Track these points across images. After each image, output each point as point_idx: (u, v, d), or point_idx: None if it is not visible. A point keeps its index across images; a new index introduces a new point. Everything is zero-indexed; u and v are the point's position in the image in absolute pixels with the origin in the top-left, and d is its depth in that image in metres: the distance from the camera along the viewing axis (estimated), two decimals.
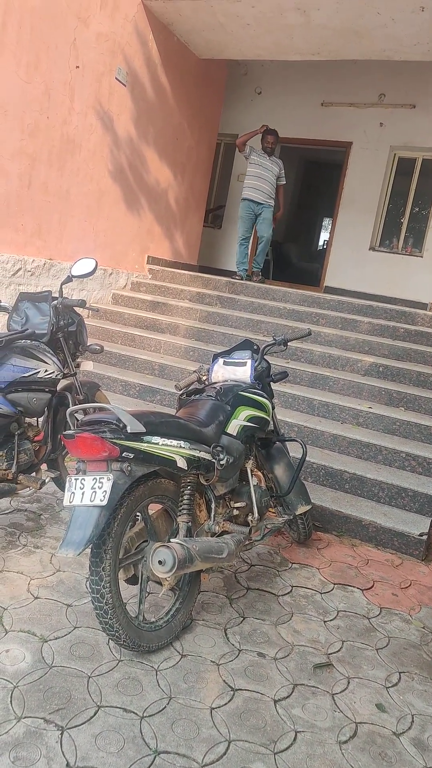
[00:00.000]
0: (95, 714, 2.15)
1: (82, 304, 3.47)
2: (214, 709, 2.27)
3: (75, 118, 6.02)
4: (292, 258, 11.79)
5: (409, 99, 8.66)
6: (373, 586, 3.40)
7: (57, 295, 3.54)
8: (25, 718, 2.08)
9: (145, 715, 2.18)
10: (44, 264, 5.98)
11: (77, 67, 5.88)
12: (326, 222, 14.65)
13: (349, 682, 2.55)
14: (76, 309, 3.63)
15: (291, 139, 9.53)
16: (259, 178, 7.61)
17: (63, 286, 3.61)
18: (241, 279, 7.65)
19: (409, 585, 3.47)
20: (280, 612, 3.01)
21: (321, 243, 14.93)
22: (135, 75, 6.76)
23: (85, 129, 6.19)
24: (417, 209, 9.07)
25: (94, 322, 6.53)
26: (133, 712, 2.18)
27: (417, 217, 9.08)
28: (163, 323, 6.52)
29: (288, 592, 3.20)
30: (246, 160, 7.75)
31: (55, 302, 3.43)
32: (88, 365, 3.78)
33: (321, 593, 3.25)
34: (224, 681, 2.43)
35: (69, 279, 3.57)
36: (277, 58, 7.59)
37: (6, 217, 5.51)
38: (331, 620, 3.01)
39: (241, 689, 2.40)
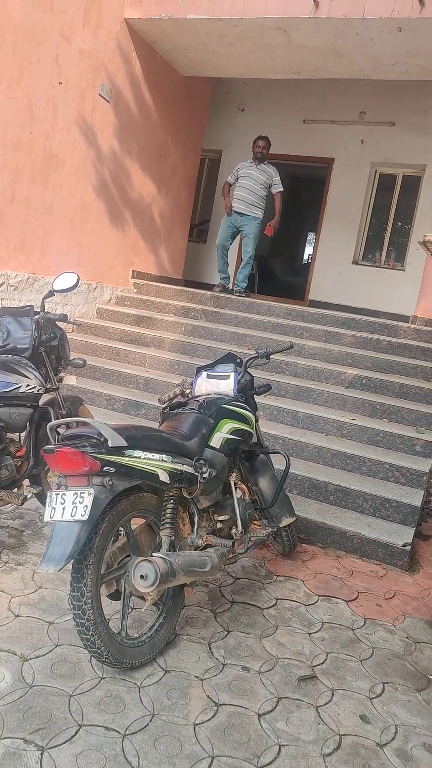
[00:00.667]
0: (76, 733, 2.12)
1: (64, 318, 3.47)
2: (197, 725, 2.25)
3: (58, 134, 6.05)
4: (277, 272, 11.87)
5: (389, 117, 8.81)
6: (357, 597, 3.40)
7: (39, 309, 3.54)
8: (4, 738, 2.04)
9: (127, 732, 2.16)
10: (27, 278, 5.97)
11: (60, 83, 5.92)
12: (310, 236, 14.79)
13: (333, 694, 2.55)
14: (59, 323, 3.62)
15: (274, 155, 9.60)
16: (241, 188, 7.44)
17: (45, 301, 3.61)
18: (221, 290, 7.43)
19: (393, 595, 3.47)
20: (264, 625, 2.99)
21: (305, 257, 15.05)
22: (118, 91, 6.82)
23: (68, 144, 6.22)
24: (399, 224, 9.20)
25: (79, 336, 6.52)
26: (115, 730, 2.16)
27: (399, 232, 9.20)
28: (148, 337, 6.53)
29: (273, 605, 3.19)
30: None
31: (37, 317, 3.43)
32: (71, 379, 3.77)
33: (306, 605, 3.24)
34: (208, 696, 2.41)
35: (51, 293, 3.57)
36: (259, 77, 7.69)
37: None
38: (315, 632, 3.00)
39: (225, 704, 2.38)
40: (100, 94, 6.51)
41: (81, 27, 6.03)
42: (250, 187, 7.39)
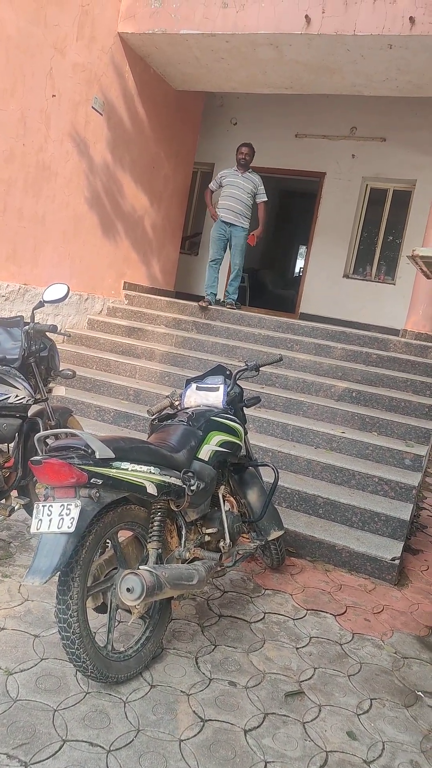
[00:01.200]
0: (60, 749, 2.09)
1: (54, 329, 3.46)
2: (183, 740, 2.23)
3: (51, 146, 6.08)
4: (268, 284, 11.93)
5: (380, 132, 8.91)
6: (345, 611, 3.39)
7: (29, 320, 3.53)
8: None
9: (111, 748, 2.13)
10: (19, 289, 5.97)
11: (53, 95, 5.96)
12: (302, 249, 14.90)
13: (320, 710, 2.53)
14: (49, 334, 3.62)
15: (266, 168, 9.70)
16: (229, 197, 7.29)
17: (35, 311, 3.60)
18: (209, 305, 7.24)
19: (382, 610, 3.47)
20: (252, 639, 2.98)
21: (297, 270, 15.15)
22: (111, 104, 6.87)
23: (61, 156, 6.24)
24: (390, 238, 9.28)
25: (69, 347, 6.52)
26: (100, 746, 2.13)
27: (390, 246, 9.28)
28: (138, 348, 6.53)
29: (260, 619, 3.17)
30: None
31: (27, 327, 3.42)
32: (60, 390, 3.76)
33: (293, 619, 3.22)
34: (194, 711, 2.39)
35: (41, 304, 3.57)
36: (251, 91, 7.77)
37: None
38: (303, 647, 2.98)
39: (211, 720, 2.36)
40: (93, 107, 6.55)
41: (75, 40, 6.07)
42: (236, 196, 7.26)
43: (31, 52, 5.59)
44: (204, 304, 7.24)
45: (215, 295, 7.52)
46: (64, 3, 5.84)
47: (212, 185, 7.53)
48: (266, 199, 7.46)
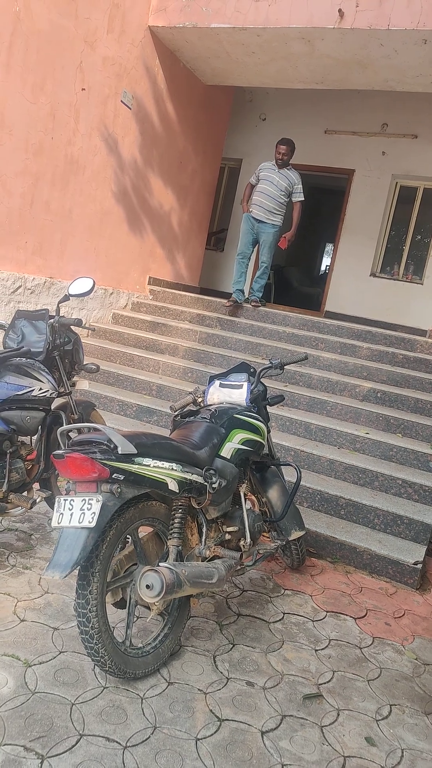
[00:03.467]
0: (77, 743, 2.09)
1: (79, 323, 3.46)
2: (199, 739, 2.21)
3: (79, 139, 6.09)
4: (294, 282, 11.85)
5: (412, 129, 8.76)
6: (366, 614, 3.35)
7: (54, 313, 3.54)
8: (4, 745, 2.02)
9: (128, 744, 2.13)
10: (44, 282, 6.00)
11: (83, 89, 5.96)
12: (328, 247, 14.77)
13: (338, 714, 2.50)
14: (73, 328, 3.62)
15: (294, 165, 9.60)
16: (260, 193, 7.01)
17: (60, 305, 3.61)
18: (235, 303, 7.09)
19: (403, 614, 3.41)
20: (270, 639, 2.95)
21: (323, 268, 15.02)
22: (140, 99, 6.86)
23: (89, 150, 6.25)
24: (418, 237, 9.13)
25: (94, 341, 6.54)
26: (116, 742, 2.13)
27: (418, 245, 9.14)
28: (162, 344, 6.53)
29: (279, 619, 3.15)
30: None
31: (52, 321, 3.43)
32: (83, 384, 3.76)
33: (313, 621, 3.19)
34: (211, 710, 2.38)
35: (66, 298, 3.58)
36: (281, 86, 7.69)
37: (8, 235, 5.54)
38: (322, 649, 2.95)
39: (228, 719, 2.34)
40: (122, 101, 6.54)
41: (105, 34, 6.07)
42: (269, 192, 6.97)
43: (62, 46, 5.60)
44: (229, 305, 7.11)
45: (242, 293, 7.26)
46: None
47: (252, 179, 7.25)
48: (303, 198, 7.12)
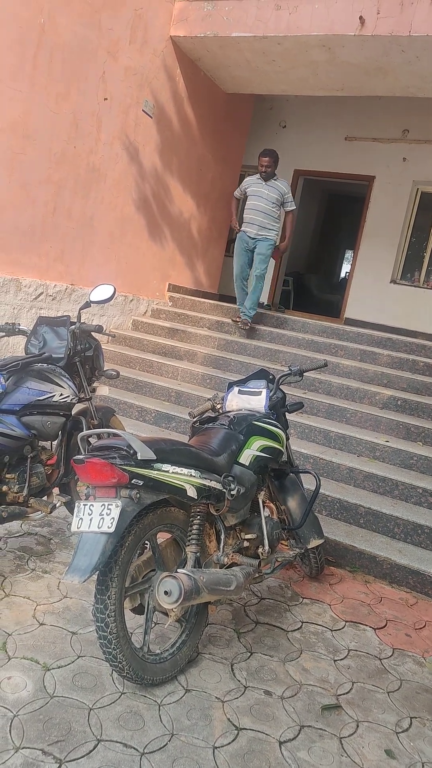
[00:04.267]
0: (95, 748, 2.09)
1: (100, 329, 3.49)
2: (217, 748, 2.20)
3: (101, 148, 6.16)
4: (313, 289, 11.83)
5: None
6: (386, 625, 3.31)
7: (75, 320, 3.58)
8: (23, 748, 2.03)
9: (145, 751, 2.12)
10: (66, 289, 6.06)
11: (105, 99, 6.03)
12: (348, 254, 14.73)
13: (358, 726, 2.47)
14: (94, 334, 3.65)
15: (315, 172, 9.66)
16: (250, 209, 6.68)
17: (81, 312, 3.64)
18: (245, 323, 6.68)
19: (424, 626, 3.37)
20: (289, 648, 2.93)
21: (342, 274, 14.98)
22: (161, 107, 6.92)
23: (110, 158, 6.32)
24: None
25: (113, 347, 6.58)
26: (134, 748, 2.12)
27: None
28: (181, 350, 6.55)
29: (298, 628, 3.12)
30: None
31: (73, 327, 3.46)
32: (103, 390, 3.79)
33: (332, 630, 3.16)
34: (228, 719, 2.36)
35: (87, 304, 3.61)
36: (301, 94, 7.71)
37: (30, 242, 5.62)
38: (341, 659, 2.92)
39: (245, 728, 2.33)
40: (143, 110, 6.61)
41: (127, 44, 6.14)
42: (260, 207, 6.62)
43: (86, 57, 5.68)
44: (237, 320, 6.82)
45: (248, 312, 6.82)
46: (119, 7, 5.91)
47: (237, 192, 6.94)
48: (294, 207, 6.82)
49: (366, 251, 9.31)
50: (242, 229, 6.79)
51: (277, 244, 6.88)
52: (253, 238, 6.72)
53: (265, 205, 6.62)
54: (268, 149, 6.66)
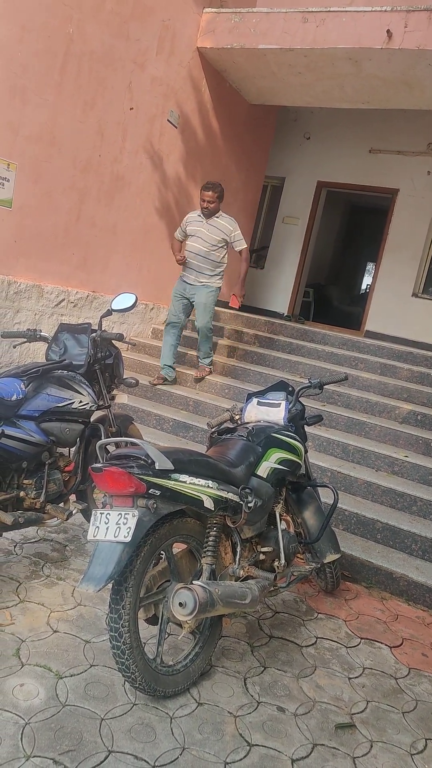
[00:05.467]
0: (105, 759, 2.08)
1: (120, 337, 3.51)
2: (228, 763, 2.18)
3: (126, 157, 6.21)
4: (334, 300, 11.79)
5: None
6: (402, 643, 3.26)
7: (96, 327, 3.59)
8: (34, 757, 2.02)
9: (156, 764, 2.10)
10: (87, 296, 6.10)
11: (131, 108, 6.09)
12: (369, 266, 14.66)
13: (372, 746, 2.42)
14: (114, 342, 3.67)
15: (338, 184, 9.63)
16: (188, 252, 5.76)
17: (102, 319, 3.66)
18: (163, 382, 5.96)
19: None
20: (303, 664, 2.89)
21: (363, 287, 14.91)
22: (186, 117, 6.96)
23: (134, 167, 6.37)
24: None
25: (133, 354, 6.60)
26: (145, 761, 2.11)
27: None
28: None
29: (312, 644, 3.09)
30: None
31: (94, 334, 3.48)
32: (122, 398, 3.80)
33: (347, 647, 3.12)
34: (241, 734, 2.34)
35: (109, 312, 3.63)
36: (326, 106, 7.72)
37: (53, 249, 5.67)
38: (356, 677, 2.88)
39: (257, 745, 2.30)
40: (168, 120, 6.66)
41: (154, 55, 6.20)
42: (198, 250, 5.69)
43: (113, 67, 5.74)
44: (157, 382, 5.96)
45: (172, 369, 6.06)
46: (147, 18, 5.97)
47: (177, 233, 5.97)
48: (245, 246, 5.87)
49: (388, 264, 9.26)
50: (181, 273, 5.93)
51: (232, 292, 6.00)
52: (192, 285, 5.84)
53: (204, 247, 5.68)
54: (212, 182, 5.71)
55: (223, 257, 5.83)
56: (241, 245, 5.80)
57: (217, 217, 5.71)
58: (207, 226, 5.70)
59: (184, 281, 5.83)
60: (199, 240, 5.72)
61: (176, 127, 6.82)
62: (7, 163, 5.01)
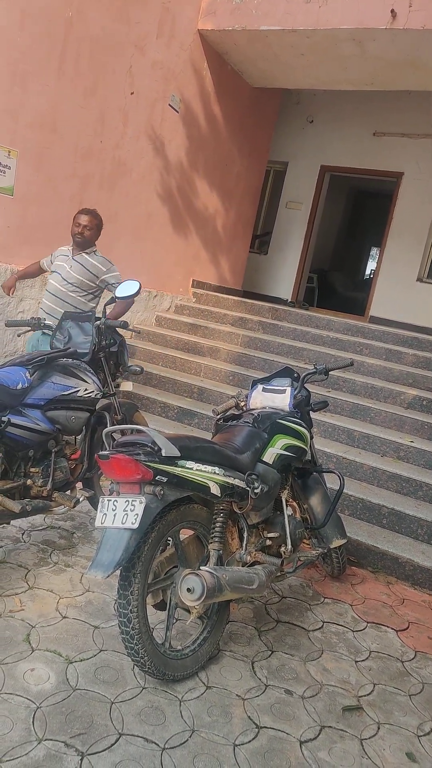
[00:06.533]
0: (116, 741, 2.10)
1: (125, 325, 3.50)
2: (237, 745, 2.20)
3: (127, 143, 6.16)
4: (338, 286, 11.73)
5: None
6: (408, 627, 3.28)
7: (100, 315, 3.59)
8: (46, 740, 2.05)
9: (166, 746, 2.13)
10: None
11: (132, 93, 6.03)
12: (374, 251, 14.58)
13: (379, 728, 2.45)
14: (119, 330, 3.66)
15: (341, 168, 9.56)
16: (48, 293, 4.33)
17: (106, 307, 3.65)
18: None
19: None
20: (309, 648, 2.92)
21: (368, 272, 14.84)
22: (187, 102, 6.90)
23: (136, 153, 6.32)
24: None
25: (137, 342, 6.60)
26: (155, 743, 2.13)
27: None
28: (204, 347, 6.54)
29: (319, 628, 3.11)
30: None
31: (98, 322, 3.47)
32: (127, 386, 3.81)
33: (353, 631, 3.14)
34: (249, 717, 2.36)
35: (113, 300, 3.62)
36: (330, 88, 7.63)
37: (55, 237, 5.63)
38: (362, 661, 2.90)
39: (266, 727, 2.33)
40: (170, 105, 6.59)
41: (155, 38, 6.13)
42: (57, 291, 4.27)
43: (113, 51, 5.68)
44: None
45: None
46: (147, 1, 5.90)
47: (44, 262, 4.57)
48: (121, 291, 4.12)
49: (392, 249, 9.20)
50: (41, 316, 4.27)
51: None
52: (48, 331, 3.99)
53: (63, 288, 4.26)
54: (89, 208, 4.48)
55: (90, 300, 4.37)
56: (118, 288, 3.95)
57: (88, 254, 4.35)
58: (74, 261, 4.30)
59: (44, 324, 3.83)
60: (60, 280, 4.28)
61: (178, 112, 6.76)
62: (8, 150, 4.98)
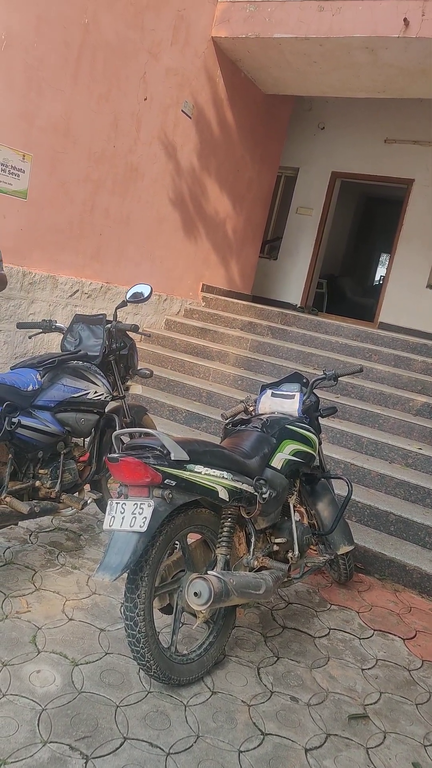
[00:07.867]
0: (121, 745, 2.10)
1: (135, 329, 3.51)
2: (242, 752, 2.20)
3: (140, 148, 6.19)
4: (347, 292, 11.72)
5: None
6: (415, 636, 3.26)
7: (111, 318, 3.60)
8: (50, 742, 2.05)
9: (171, 751, 2.13)
10: (101, 287, 6.11)
11: (145, 99, 6.07)
12: (383, 257, 14.56)
13: (385, 737, 2.43)
14: (129, 333, 3.68)
15: (352, 174, 9.57)
16: None
17: (117, 310, 3.67)
18: None
19: None
20: (316, 655, 2.91)
21: (377, 278, 14.82)
22: (200, 108, 6.93)
23: (148, 158, 6.35)
24: None
25: (146, 346, 6.62)
26: (160, 748, 2.13)
27: None
28: (213, 351, 6.55)
29: (325, 635, 3.10)
30: None
31: (109, 325, 3.49)
32: (137, 389, 3.82)
33: (360, 639, 3.13)
34: (254, 723, 2.35)
35: (124, 303, 3.63)
36: (342, 95, 7.64)
37: (68, 240, 5.68)
38: (369, 669, 2.88)
39: (271, 734, 2.32)
40: (183, 111, 6.62)
41: (169, 45, 6.16)
42: None
43: (128, 57, 5.72)
44: None
45: None
46: (162, 8, 5.94)
47: None
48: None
49: (402, 255, 9.19)
50: None
51: None
52: None
53: None
54: None
55: None
56: None
57: None
58: None
59: None
60: None
61: (190, 118, 6.79)
62: (22, 154, 5.02)
